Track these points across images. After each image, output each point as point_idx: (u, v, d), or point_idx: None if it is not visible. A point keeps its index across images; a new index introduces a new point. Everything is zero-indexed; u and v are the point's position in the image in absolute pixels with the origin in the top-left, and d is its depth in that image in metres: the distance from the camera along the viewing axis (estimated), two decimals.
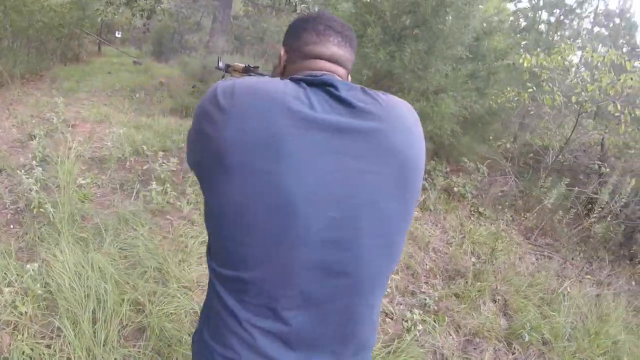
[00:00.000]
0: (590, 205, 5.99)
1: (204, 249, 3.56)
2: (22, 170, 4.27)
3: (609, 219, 5.56)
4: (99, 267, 2.84)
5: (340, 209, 0.85)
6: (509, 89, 6.51)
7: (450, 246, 4.81)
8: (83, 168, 4.72)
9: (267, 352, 0.89)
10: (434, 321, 3.26)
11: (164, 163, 4.66)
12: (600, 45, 12.13)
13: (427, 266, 4.22)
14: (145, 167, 4.70)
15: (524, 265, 4.69)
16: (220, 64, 1.96)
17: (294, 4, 7.81)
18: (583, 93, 5.59)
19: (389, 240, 0.93)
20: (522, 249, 5.14)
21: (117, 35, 17.16)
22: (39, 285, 2.56)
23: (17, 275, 2.66)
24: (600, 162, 6.54)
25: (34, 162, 4.30)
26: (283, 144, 0.81)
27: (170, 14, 9.37)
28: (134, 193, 4.20)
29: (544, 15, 11.03)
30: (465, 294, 3.66)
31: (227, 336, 0.91)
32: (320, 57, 1.04)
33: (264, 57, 14.41)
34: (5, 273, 2.66)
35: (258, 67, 1.73)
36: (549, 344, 3.37)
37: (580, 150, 7.46)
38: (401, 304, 3.51)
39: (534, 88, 6.21)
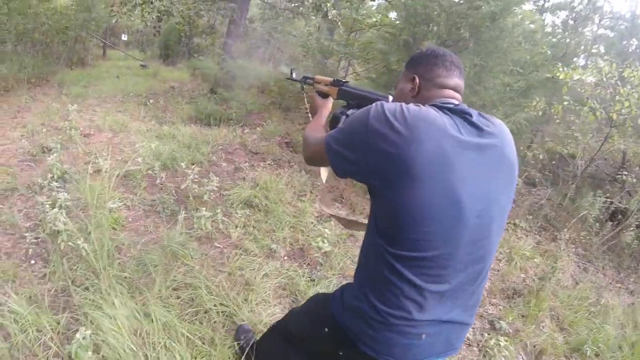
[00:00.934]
0: (617, 215, 6.13)
1: (268, 283, 3.06)
2: (40, 192, 3.68)
3: (635, 227, 5.69)
4: (158, 319, 2.22)
5: (482, 203, 1.18)
6: (537, 99, 6.51)
7: (500, 262, 4.60)
8: (107, 186, 4.09)
9: (430, 308, 1.19)
10: (509, 344, 3.10)
11: (198, 179, 4.07)
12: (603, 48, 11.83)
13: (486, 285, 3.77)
14: (182, 187, 4.07)
15: (564, 278, 4.62)
16: (294, 75, 2.02)
17: (325, 10, 7.19)
18: (623, 110, 5.67)
19: (503, 225, 1.29)
20: (562, 262, 4.91)
21: (122, 38, 16.56)
22: (90, 353, 1.93)
23: (60, 336, 2.04)
24: (626, 172, 6.53)
25: (52, 182, 3.65)
26: (451, 160, 1.12)
27: (183, 16, 8.73)
28: (176, 218, 3.56)
29: (548, 17, 10.67)
30: (530, 314, 3.63)
31: (400, 300, 1.17)
32: (448, 88, 1.34)
33: (273, 60, 13.82)
34: (44, 336, 2.04)
35: (348, 82, 1.74)
36: (600, 355, 3.35)
37: (601, 159, 7.49)
38: (472, 327, 3.27)
39: (570, 101, 6.19)
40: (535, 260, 4.73)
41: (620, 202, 6.08)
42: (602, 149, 6.81)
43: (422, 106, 1.19)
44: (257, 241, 3.66)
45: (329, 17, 7.15)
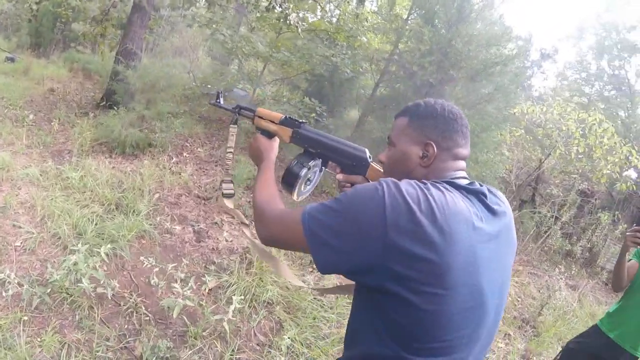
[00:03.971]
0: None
1: None
2: None
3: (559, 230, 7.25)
4: None
5: (499, 297, 1.04)
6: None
7: None
8: (25, 318, 2.44)
9: None
10: None
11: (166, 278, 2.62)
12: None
13: None
14: (177, 305, 2.54)
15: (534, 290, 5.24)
16: (220, 101, 1.58)
17: (285, 13, 5.72)
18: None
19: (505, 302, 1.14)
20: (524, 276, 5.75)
21: None
22: None
23: None
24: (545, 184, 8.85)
25: None
26: (478, 258, 0.94)
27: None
28: None
29: None
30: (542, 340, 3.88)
31: None
32: (462, 158, 1.12)
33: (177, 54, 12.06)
34: None
35: (305, 123, 1.40)
36: None
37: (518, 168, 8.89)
38: None
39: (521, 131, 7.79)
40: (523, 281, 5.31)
41: (548, 212, 7.46)
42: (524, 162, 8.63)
43: (445, 191, 0.97)
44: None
45: (289, 23, 5.70)
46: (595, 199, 8.80)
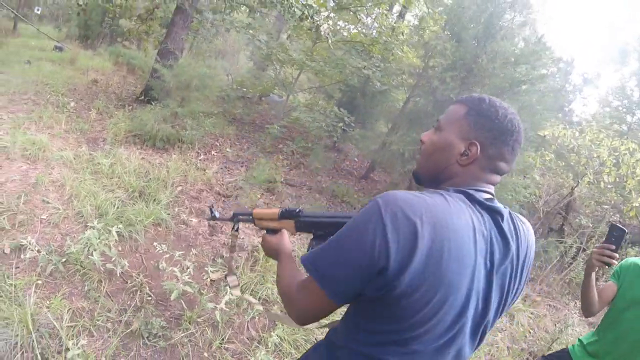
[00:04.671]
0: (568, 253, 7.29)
1: None
2: None
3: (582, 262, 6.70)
4: None
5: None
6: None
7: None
8: (39, 282, 2.66)
9: None
10: None
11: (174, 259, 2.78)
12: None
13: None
14: (164, 285, 2.71)
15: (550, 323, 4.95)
16: (217, 214, 1.68)
17: (315, 22, 5.90)
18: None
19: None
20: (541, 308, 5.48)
21: (36, 11, 13.61)
22: None
23: None
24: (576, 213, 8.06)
25: None
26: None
27: None
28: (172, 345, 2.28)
29: None
30: None
31: None
32: (501, 174, 1.07)
33: (216, 56, 12.37)
34: None
35: (301, 209, 1.40)
36: None
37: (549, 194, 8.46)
38: None
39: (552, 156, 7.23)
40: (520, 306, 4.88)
41: (574, 243, 7.11)
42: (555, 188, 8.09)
43: (450, 210, 0.92)
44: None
45: (321, 33, 5.88)
46: (627, 234, 8.42)
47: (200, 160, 6.02)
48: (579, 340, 2.23)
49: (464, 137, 1.04)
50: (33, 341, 2.13)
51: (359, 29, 9.02)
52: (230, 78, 10.22)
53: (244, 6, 8.01)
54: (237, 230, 1.59)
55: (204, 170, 5.56)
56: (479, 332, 1.03)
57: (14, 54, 9.36)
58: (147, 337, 2.49)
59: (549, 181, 8.01)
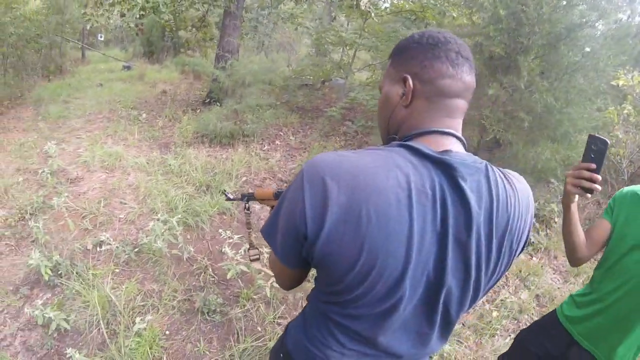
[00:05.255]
0: None
1: None
2: (24, 306, 2.57)
3: None
4: None
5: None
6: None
7: None
8: (116, 270, 2.98)
9: None
10: None
11: (236, 247, 2.97)
12: None
13: None
14: (233, 269, 2.91)
15: None
16: (230, 195, 1.81)
17: None
18: None
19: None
20: None
21: (99, 38, 15.00)
22: None
23: None
24: None
25: (40, 292, 2.52)
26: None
27: (174, 12, 7.47)
28: (229, 319, 2.50)
29: None
30: None
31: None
32: (454, 95, 0.91)
33: (264, 48, 12.65)
34: None
35: None
36: None
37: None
38: None
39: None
40: None
41: None
42: None
43: (377, 169, 0.81)
44: None
45: (361, 7, 5.88)
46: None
47: (263, 150, 6.26)
48: (570, 296, 1.77)
49: (397, 80, 0.96)
50: (107, 319, 2.42)
51: None
52: (290, 68, 10.44)
53: None
54: (248, 209, 1.68)
55: (267, 160, 5.79)
56: (438, 304, 0.90)
57: (85, 79, 10.25)
58: (207, 313, 2.72)
59: (633, 138, 7.27)
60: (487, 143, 4.69)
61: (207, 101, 8.14)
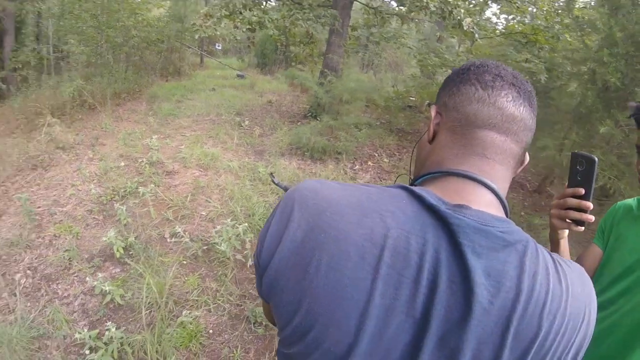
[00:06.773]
0: None
1: None
2: (96, 273, 2.76)
3: None
4: None
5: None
6: None
7: None
8: (184, 262, 3.10)
9: None
10: None
11: None
12: None
13: None
14: None
15: None
16: (275, 180, 1.79)
17: (457, 18, 5.75)
18: None
19: None
20: None
21: (217, 47, 16.40)
22: None
23: None
24: None
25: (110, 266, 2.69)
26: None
27: (277, 27, 7.80)
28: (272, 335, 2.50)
29: None
30: None
31: None
32: (492, 127, 0.67)
33: (371, 67, 12.70)
34: None
35: None
36: None
37: None
38: None
39: None
40: None
41: None
42: None
43: (351, 211, 0.62)
44: None
45: (464, 27, 5.71)
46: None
47: (354, 170, 6.25)
48: None
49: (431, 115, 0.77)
50: (159, 305, 2.54)
51: (518, 19, 8.39)
52: (394, 88, 10.44)
53: (396, 16, 8.15)
54: None
55: (355, 180, 5.76)
56: None
57: (200, 83, 11.10)
58: (253, 324, 2.74)
59: None
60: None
61: (308, 115, 8.37)
